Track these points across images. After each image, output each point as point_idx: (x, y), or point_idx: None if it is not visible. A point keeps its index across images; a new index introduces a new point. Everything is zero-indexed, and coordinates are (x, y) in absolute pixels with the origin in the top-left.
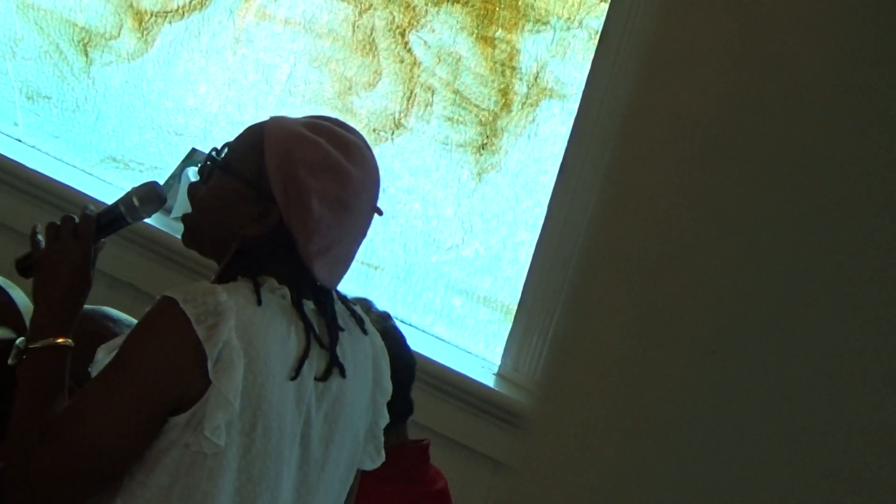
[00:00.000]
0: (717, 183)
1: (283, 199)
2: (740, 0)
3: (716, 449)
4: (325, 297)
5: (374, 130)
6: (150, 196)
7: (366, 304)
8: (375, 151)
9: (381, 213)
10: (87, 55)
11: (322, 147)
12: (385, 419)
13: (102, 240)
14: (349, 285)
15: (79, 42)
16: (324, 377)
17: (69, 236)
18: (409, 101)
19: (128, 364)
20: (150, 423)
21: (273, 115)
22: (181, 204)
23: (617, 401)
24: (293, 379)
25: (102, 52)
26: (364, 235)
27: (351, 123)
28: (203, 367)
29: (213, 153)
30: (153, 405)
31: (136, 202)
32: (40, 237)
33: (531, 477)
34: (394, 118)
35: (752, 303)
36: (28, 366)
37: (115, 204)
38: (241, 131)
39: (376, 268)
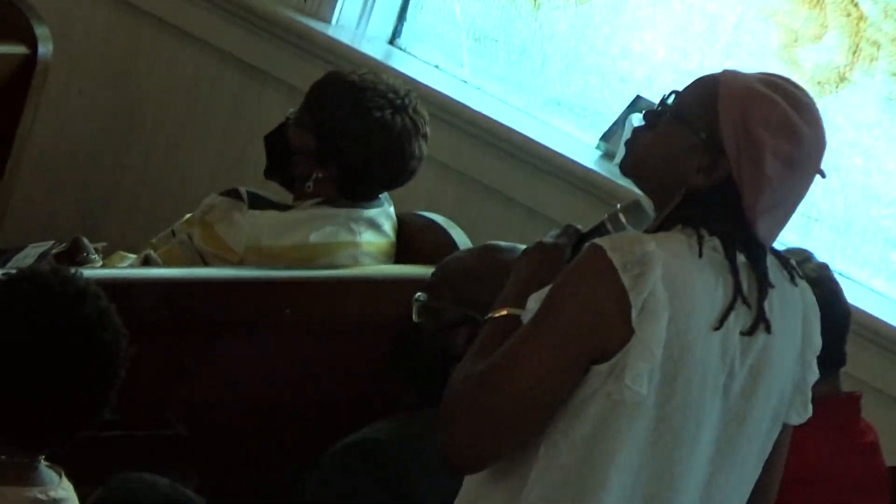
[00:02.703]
0: None
1: (735, 154)
2: None
3: None
4: (759, 253)
5: (818, 83)
6: (637, 214)
7: (805, 254)
8: (819, 104)
9: (823, 176)
10: None
11: (780, 106)
12: (815, 375)
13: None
14: (790, 236)
15: None
16: (749, 331)
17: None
18: (854, 55)
19: (553, 311)
20: (574, 370)
21: (725, 68)
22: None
23: None
24: (717, 329)
25: None
26: (804, 197)
27: (795, 76)
28: (627, 316)
29: (665, 100)
30: (577, 352)
31: (622, 218)
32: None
33: None
34: (838, 72)
35: None
36: (485, 329)
37: (602, 223)
38: (691, 82)
39: (815, 220)
